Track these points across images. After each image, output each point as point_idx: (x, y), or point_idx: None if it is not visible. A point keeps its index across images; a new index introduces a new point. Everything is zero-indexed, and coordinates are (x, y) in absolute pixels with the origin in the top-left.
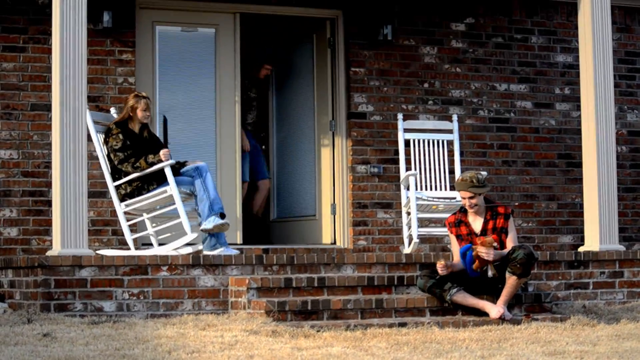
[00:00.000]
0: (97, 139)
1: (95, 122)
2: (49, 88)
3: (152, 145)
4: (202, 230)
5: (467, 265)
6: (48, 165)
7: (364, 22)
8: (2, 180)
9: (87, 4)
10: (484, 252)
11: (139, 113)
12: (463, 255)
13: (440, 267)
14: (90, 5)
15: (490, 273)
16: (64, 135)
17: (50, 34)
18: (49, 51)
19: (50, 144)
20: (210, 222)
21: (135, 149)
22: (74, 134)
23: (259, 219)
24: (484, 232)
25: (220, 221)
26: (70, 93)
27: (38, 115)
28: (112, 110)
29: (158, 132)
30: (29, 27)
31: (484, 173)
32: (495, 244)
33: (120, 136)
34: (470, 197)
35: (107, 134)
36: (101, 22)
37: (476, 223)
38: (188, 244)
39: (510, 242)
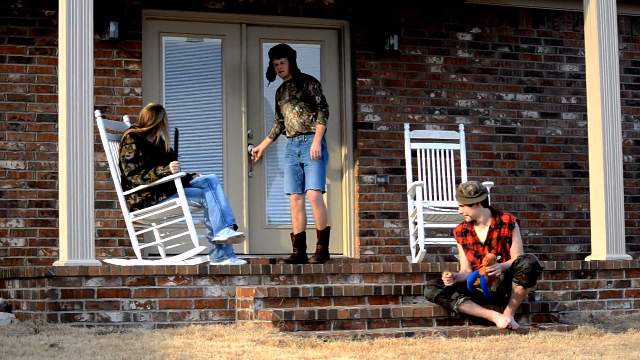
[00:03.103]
0: (109, 147)
1: (107, 130)
2: (55, 99)
3: (164, 156)
4: (214, 241)
5: (484, 290)
6: (55, 176)
7: (370, 33)
8: (9, 191)
9: (93, 15)
10: (492, 270)
11: (166, 123)
12: (472, 283)
13: (446, 278)
14: (96, 16)
15: (494, 288)
16: (70, 145)
17: (56, 45)
18: (56, 62)
19: (56, 155)
20: (225, 234)
21: (150, 159)
22: (80, 145)
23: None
24: (488, 241)
25: (235, 233)
26: (76, 103)
27: (44, 125)
28: (125, 118)
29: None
30: (35, 38)
31: (487, 184)
32: (498, 257)
33: (134, 147)
34: (461, 206)
35: (122, 142)
36: (108, 32)
37: (481, 232)
38: (198, 255)
39: (514, 252)
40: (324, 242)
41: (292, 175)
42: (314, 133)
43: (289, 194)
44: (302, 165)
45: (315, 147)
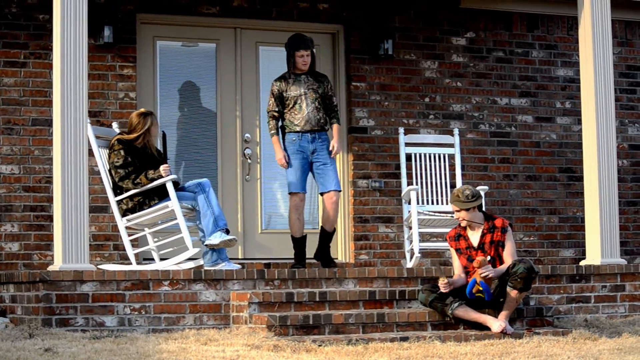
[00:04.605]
0: (99, 154)
1: (97, 137)
2: (50, 103)
3: (155, 160)
4: (206, 245)
5: (486, 292)
6: (49, 180)
7: (364, 37)
8: (4, 195)
9: (87, 19)
10: (484, 271)
11: (153, 130)
12: (472, 292)
13: (442, 285)
14: (91, 20)
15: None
16: (65, 150)
17: (51, 49)
18: (50, 66)
19: (51, 159)
20: (217, 238)
21: (140, 164)
22: (75, 149)
23: (326, 233)
24: (481, 245)
25: (227, 237)
26: (71, 108)
27: (39, 130)
28: (114, 124)
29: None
30: (30, 43)
31: (481, 188)
32: (488, 258)
33: (122, 152)
34: (457, 211)
35: (110, 149)
36: (102, 37)
37: (474, 237)
38: (189, 259)
39: (507, 256)
40: (329, 243)
41: (302, 173)
42: (325, 131)
43: (297, 192)
44: (311, 163)
45: (338, 143)
